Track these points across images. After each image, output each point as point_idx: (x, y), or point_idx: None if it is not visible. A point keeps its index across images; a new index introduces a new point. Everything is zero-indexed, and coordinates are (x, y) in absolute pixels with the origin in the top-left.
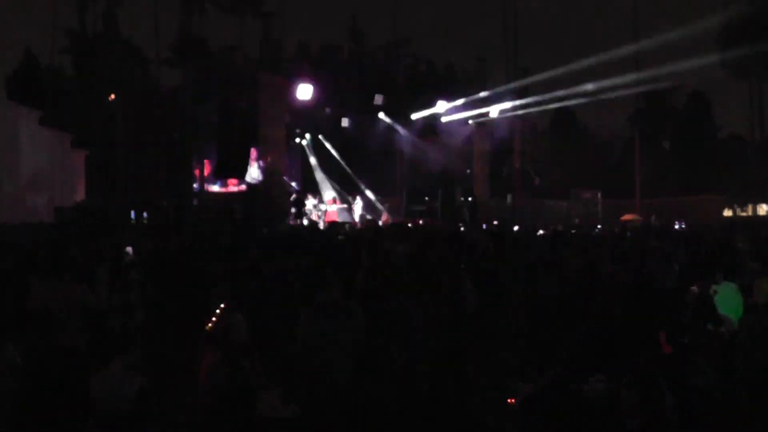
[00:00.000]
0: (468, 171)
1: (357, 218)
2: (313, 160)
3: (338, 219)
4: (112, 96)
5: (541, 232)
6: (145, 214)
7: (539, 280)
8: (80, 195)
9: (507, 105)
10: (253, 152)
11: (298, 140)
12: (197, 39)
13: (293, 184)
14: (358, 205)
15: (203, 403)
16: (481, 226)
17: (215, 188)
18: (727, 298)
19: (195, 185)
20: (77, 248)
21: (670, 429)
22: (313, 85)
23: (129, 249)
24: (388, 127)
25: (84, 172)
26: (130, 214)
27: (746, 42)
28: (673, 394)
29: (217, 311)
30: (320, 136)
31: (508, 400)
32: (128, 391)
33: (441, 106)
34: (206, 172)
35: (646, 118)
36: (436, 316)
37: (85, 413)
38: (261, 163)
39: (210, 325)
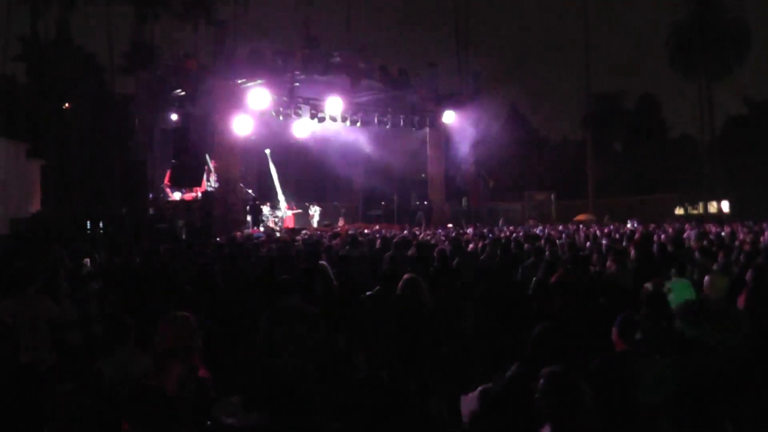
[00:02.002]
0: (423, 175)
1: (314, 224)
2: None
3: (295, 225)
4: (67, 105)
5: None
6: (101, 225)
7: (495, 281)
8: (36, 206)
9: (460, 109)
10: (209, 160)
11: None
12: (150, 46)
13: (249, 191)
14: (315, 211)
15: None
16: (437, 229)
17: (175, 197)
18: (681, 294)
19: (150, 195)
20: (37, 260)
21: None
22: (267, 91)
23: (87, 261)
24: (344, 132)
25: (39, 182)
26: (86, 224)
27: (694, 43)
28: (597, 395)
29: (174, 321)
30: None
31: None
32: (137, 372)
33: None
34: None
35: (597, 121)
36: (393, 319)
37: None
38: (216, 171)
39: (173, 335)
